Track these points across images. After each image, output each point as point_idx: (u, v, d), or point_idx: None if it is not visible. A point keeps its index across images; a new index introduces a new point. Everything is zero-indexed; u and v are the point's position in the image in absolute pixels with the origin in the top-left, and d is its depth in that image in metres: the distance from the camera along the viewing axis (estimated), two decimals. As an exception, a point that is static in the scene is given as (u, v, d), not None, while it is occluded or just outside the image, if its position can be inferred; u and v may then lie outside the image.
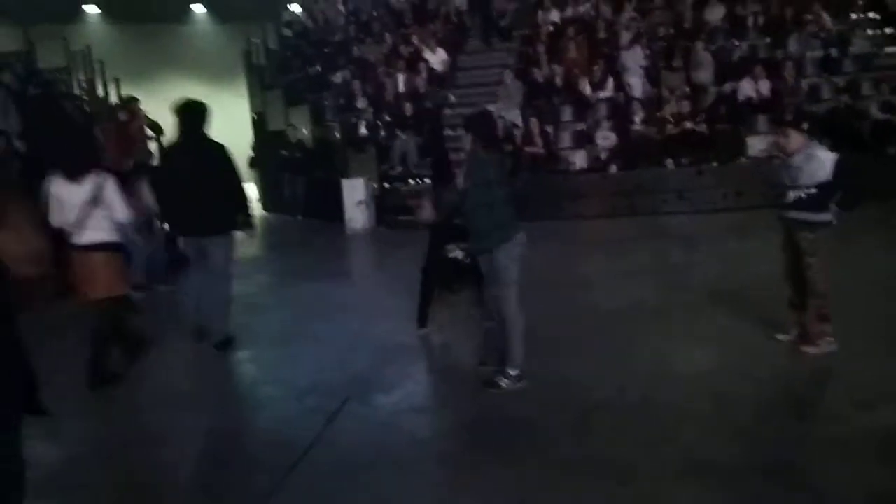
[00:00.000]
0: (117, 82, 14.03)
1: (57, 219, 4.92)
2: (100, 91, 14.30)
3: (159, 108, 17.91)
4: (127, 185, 7.22)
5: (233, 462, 3.89)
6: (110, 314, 5.10)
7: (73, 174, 4.94)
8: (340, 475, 3.60)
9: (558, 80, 13.12)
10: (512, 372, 4.52)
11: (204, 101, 5.80)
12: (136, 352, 5.42)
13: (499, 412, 4.30)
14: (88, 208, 4.91)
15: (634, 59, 12.99)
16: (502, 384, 4.52)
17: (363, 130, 13.50)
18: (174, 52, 26.21)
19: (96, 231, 4.96)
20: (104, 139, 8.83)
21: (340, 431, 4.12)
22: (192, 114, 5.63)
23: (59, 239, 4.85)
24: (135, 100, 10.14)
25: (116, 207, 5.00)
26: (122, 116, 9.62)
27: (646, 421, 3.95)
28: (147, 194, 7.62)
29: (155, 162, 9.66)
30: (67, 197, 4.93)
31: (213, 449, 4.11)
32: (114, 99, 13.38)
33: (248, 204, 5.91)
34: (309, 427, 4.15)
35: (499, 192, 4.47)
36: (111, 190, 4.98)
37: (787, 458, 3.44)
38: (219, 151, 5.64)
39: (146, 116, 10.17)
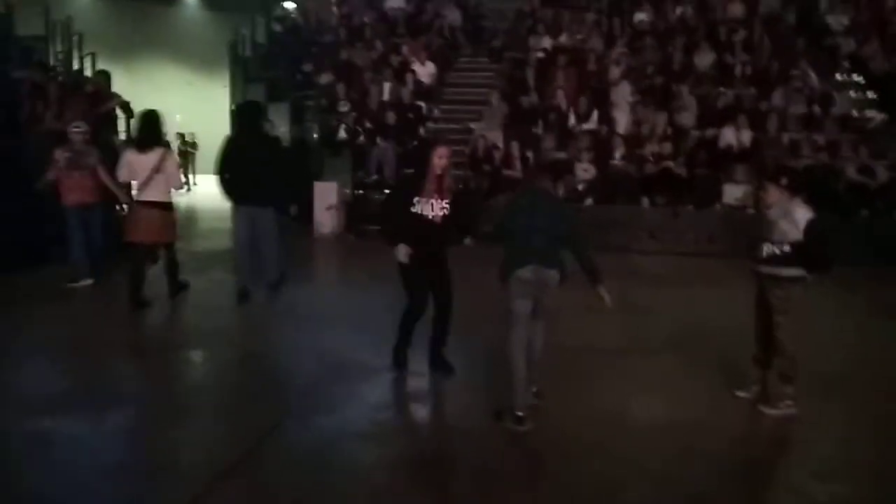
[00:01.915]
0: (93, 57, 13.60)
1: (126, 177, 6.85)
2: (75, 64, 13.87)
3: (138, 88, 17.61)
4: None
5: (138, 479, 3.54)
6: (166, 251, 6.97)
7: (143, 147, 6.68)
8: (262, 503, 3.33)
9: (545, 107, 13.06)
10: (517, 413, 4.24)
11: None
12: (176, 286, 7.20)
13: (446, 448, 4.08)
14: (152, 174, 6.57)
15: (622, 95, 12.98)
16: (507, 422, 4.25)
17: (342, 134, 13.26)
18: (160, 34, 25.80)
19: (156, 191, 6.64)
20: (67, 110, 8.54)
21: (270, 454, 3.84)
22: (254, 111, 7.48)
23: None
24: (104, 74, 9.83)
25: (173, 176, 6.83)
26: (89, 89, 9.30)
27: (598, 472, 3.75)
28: (105, 175, 7.47)
29: (120, 141, 9.46)
30: (137, 164, 6.66)
31: (119, 459, 3.76)
32: (88, 73, 12.96)
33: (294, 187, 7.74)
34: (236, 447, 3.87)
35: (523, 222, 4.33)
36: (171, 162, 6.78)
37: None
38: (273, 143, 7.77)
39: (117, 95, 9.85)
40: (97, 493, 3.38)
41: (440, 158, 4.90)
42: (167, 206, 6.78)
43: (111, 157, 8.73)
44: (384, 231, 5.20)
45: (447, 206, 4.97)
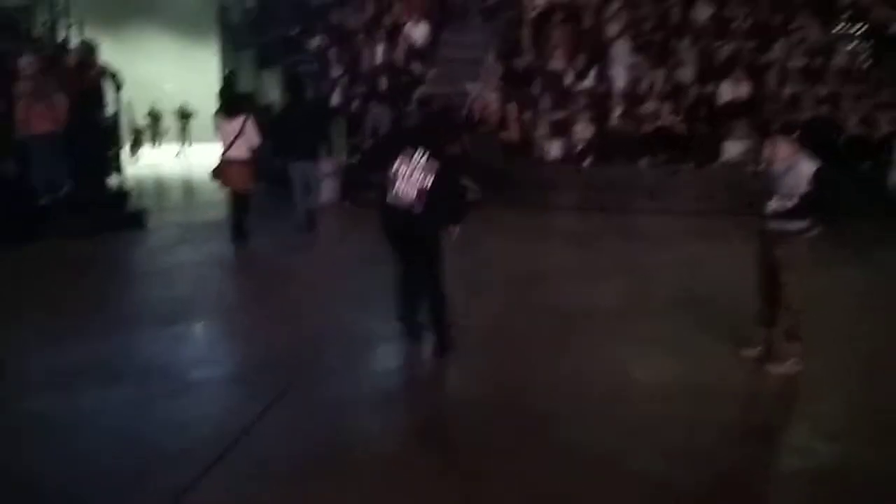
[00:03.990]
0: (80, 26, 13.28)
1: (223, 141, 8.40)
2: (61, 35, 13.56)
3: (127, 57, 17.25)
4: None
5: (145, 452, 3.50)
6: (244, 199, 8.51)
7: (229, 114, 8.57)
8: (265, 475, 3.29)
9: (541, 66, 12.83)
10: None
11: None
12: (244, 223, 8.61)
13: (450, 415, 4.05)
14: (236, 137, 8.16)
15: (620, 52, 12.74)
16: None
17: (335, 100, 13.04)
18: (147, 2, 25.23)
19: (238, 150, 8.21)
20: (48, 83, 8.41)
21: (275, 424, 3.80)
22: (299, 84, 9.85)
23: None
24: (88, 45, 9.62)
25: (251, 137, 8.26)
26: (71, 62, 9.13)
27: (601, 437, 3.70)
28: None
29: (107, 116, 9.40)
30: (224, 128, 8.40)
31: (125, 435, 3.69)
32: (74, 44, 12.68)
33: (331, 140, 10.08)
34: (241, 417, 3.82)
35: None
36: (249, 126, 8.24)
37: (747, 491, 3.24)
38: (315, 109, 10.20)
39: (102, 67, 9.63)
40: (102, 470, 3.34)
41: None
42: (248, 162, 8.32)
43: (94, 137, 8.82)
44: (462, 212, 4.82)
45: None
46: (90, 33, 12.99)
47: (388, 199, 4.59)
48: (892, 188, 8.07)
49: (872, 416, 4.01)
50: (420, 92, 12.25)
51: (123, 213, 9.59)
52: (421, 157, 4.52)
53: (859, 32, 13.27)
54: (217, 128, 8.58)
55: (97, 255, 8.00)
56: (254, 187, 8.60)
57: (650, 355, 4.87)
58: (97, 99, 9.67)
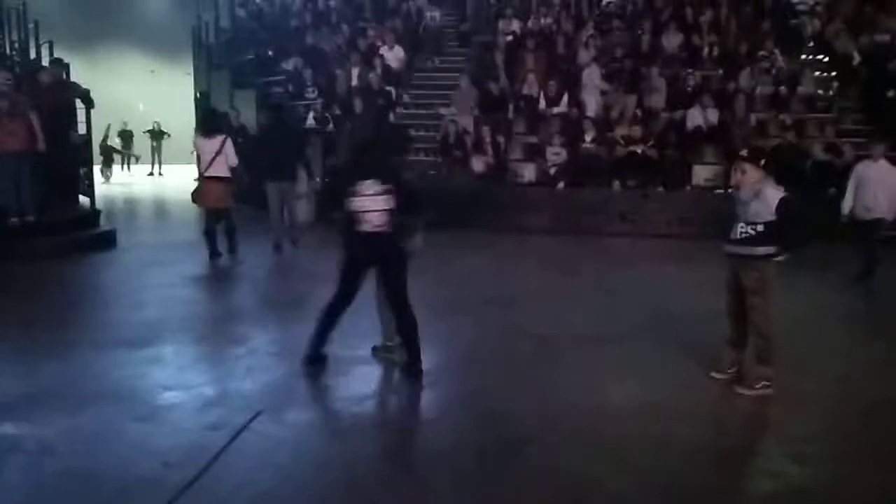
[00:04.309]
0: (51, 45, 13.15)
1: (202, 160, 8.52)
2: (32, 54, 13.41)
3: (99, 77, 17.08)
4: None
5: (109, 483, 3.40)
6: (226, 217, 8.71)
7: (209, 134, 8.56)
8: (236, 502, 3.24)
9: (514, 91, 12.99)
10: None
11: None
12: (234, 245, 8.92)
13: (420, 442, 4.03)
14: (216, 155, 8.30)
15: (591, 78, 12.95)
16: None
17: (310, 121, 13.05)
18: (121, 21, 25.07)
19: (218, 169, 8.35)
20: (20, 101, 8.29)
21: (243, 452, 3.73)
22: (279, 108, 10.39)
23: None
24: (60, 64, 9.54)
25: (230, 156, 8.43)
26: (45, 79, 9.05)
27: (576, 461, 3.71)
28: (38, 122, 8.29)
29: (79, 136, 9.32)
30: (204, 147, 8.44)
31: (88, 464, 3.59)
32: (45, 63, 12.54)
33: (311, 162, 9.77)
34: (208, 444, 3.75)
35: None
36: (228, 145, 8.44)
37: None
38: (295, 132, 10.37)
39: (76, 85, 9.55)
40: (66, 499, 3.26)
41: None
42: (227, 180, 8.46)
43: (65, 156, 8.70)
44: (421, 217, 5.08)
45: None
46: (63, 53, 12.88)
47: (362, 231, 4.66)
48: (843, 220, 8.28)
49: (843, 440, 4.08)
50: (350, 125, 12.32)
51: (94, 234, 9.47)
52: (376, 184, 4.63)
53: (823, 62, 13.69)
54: (195, 146, 8.64)
55: (66, 276, 7.87)
56: (234, 205, 8.77)
57: (623, 378, 4.90)
58: (69, 118, 9.58)
